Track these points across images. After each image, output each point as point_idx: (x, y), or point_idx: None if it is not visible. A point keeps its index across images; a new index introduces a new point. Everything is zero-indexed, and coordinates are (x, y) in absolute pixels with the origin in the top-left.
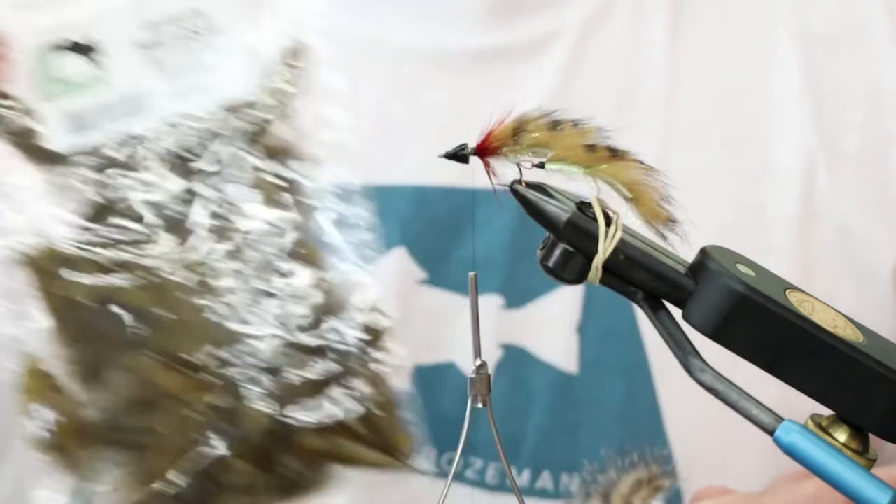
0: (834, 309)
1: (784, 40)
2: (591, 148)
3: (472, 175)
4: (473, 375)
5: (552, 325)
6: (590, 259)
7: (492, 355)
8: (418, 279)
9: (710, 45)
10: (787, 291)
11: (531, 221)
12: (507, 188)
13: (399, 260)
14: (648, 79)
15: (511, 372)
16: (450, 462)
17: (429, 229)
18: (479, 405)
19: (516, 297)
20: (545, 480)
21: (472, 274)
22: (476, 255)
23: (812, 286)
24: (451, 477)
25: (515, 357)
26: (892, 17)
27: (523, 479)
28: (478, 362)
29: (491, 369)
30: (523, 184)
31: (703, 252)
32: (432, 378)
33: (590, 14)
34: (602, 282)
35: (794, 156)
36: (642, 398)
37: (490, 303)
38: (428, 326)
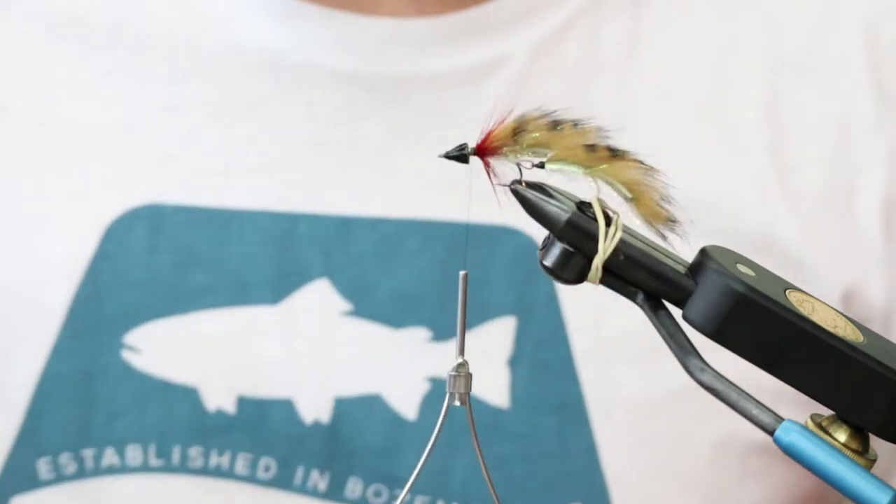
0: (834, 309)
1: (750, 67)
2: (591, 148)
3: (471, 175)
4: (454, 373)
5: (482, 358)
6: (590, 259)
7: (419, 388)
8: (342, 311)
9: (668, 72)
10: (787, 291)
11: (458, 256)
12: (508, 188)
13: (321, 292)
14: (599, 107)
15: (439, 406)
16: (377, 494)
17: (354, 260)
18: (457, 403)
19: (445, 330)
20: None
21: (462, 272)
22: (403, 287)
23: None
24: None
25: (444, 391)
26: (869, 49)
27: None
28: (459, 360)
29: (417, 402)
30: (523, 184)
31: (703, 252)
32: (357, 410)
33: (540, 40)
34: (602, 282)
35: (749, 187)
36: (577, 434)
37: (417, 335)
38: (352, 358)
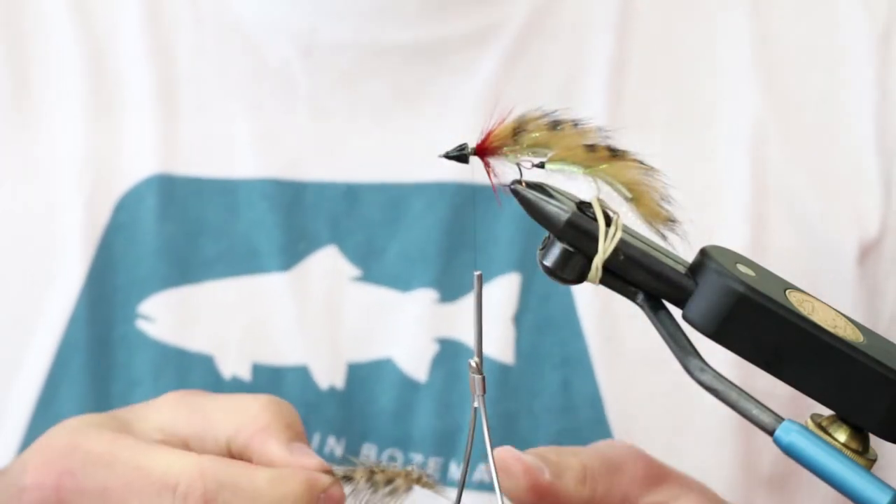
0: (834, 309)
1: (738, 12)
2: (591, 148)
3: (472, 173)
4: (475, 375)
5: (487, 316)
6: (590, 259)
7: (428, 349)
8: (351, 276)
9: (660, 25)
10: (787, 291)
11: (463, 215)
12: (508, 188)
13: (329, 258)
14: (594, 64)
15: (447, 366)
16: (392, 459)
17: (361, 226)
18: (476, 404)
19: (450, 291)
20: (482, 472)
21: (477, 273)
22: (409, 249)
23: (765, 260)
24: (462, 483)
25: (451, 351)
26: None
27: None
28: (473, 362)
29: (427, 364)
30: (523, 184)
31: (703, 252)
32: (369, 374)
33: (535, 5)
34: (602, 282)
35: (744, 131)
36: (582, 387)
37: (424, 297)
38: (363, 324)
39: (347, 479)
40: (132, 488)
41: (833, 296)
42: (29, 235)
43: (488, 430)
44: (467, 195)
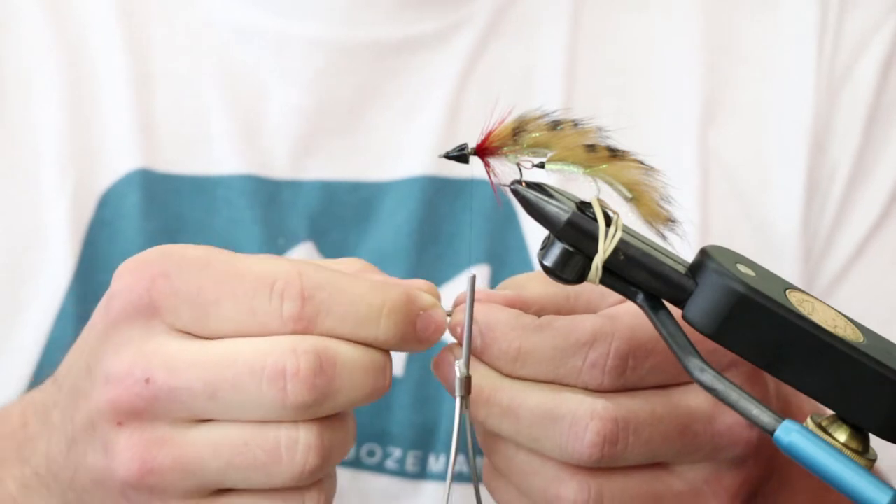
0: (834, 309)
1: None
2: (592, 148)
3: (472, 171)
4: (460, 376)
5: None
6: (590, 259)
7: None
8: None
9: (609, 14)
10: (787, 291)
11: (436, 210)
12: (508, 188)
13: (306, 255)
14: (550, 56)
15: (423, 360)
16: (370, 454)
17: (336, 223)
18: (457, 410)
19: None
20: (460, 464)
21: (472, 275)
22: (383, 245)
23: (711, 237)
24: (449, 479)
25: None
26: None
27: (440, 464)
28: (460, 362)
29: (403, 358)
30: (523, 184)
31: (703, 252)
32: None
33: (498, 5)
34: (602, 282)
35: (690, 114)
36: None
37: None
38: None
39: None
40: (227, 288)
41: (775, 270)
42: (12, 231)
43: (470, 427)
44: (437, 188)
